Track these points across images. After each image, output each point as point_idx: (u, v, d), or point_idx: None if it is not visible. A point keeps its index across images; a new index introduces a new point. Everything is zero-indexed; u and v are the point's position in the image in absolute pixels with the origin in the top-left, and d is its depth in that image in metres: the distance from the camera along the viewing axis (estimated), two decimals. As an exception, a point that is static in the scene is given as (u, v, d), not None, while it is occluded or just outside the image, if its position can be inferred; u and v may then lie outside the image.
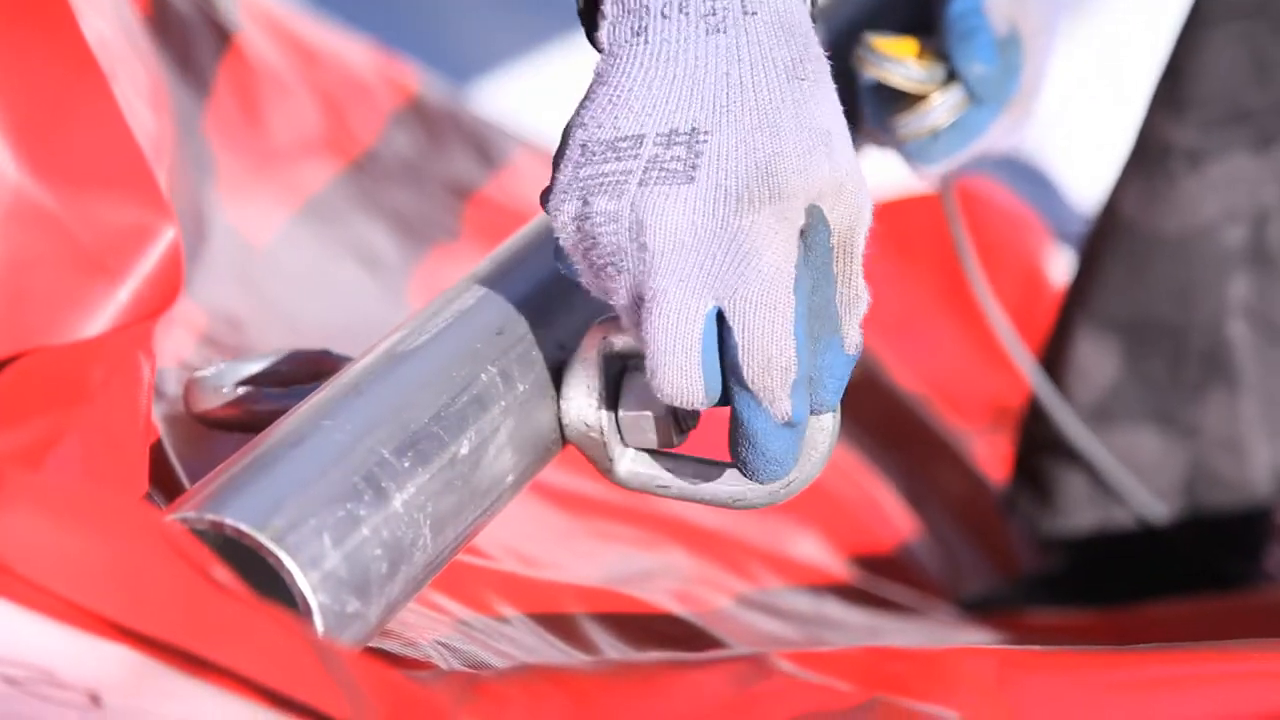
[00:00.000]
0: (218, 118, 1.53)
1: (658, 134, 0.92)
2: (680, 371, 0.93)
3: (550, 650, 1.16)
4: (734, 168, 0.92)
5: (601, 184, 0.93)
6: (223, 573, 0.83)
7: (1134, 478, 1.65)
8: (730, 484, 1.01)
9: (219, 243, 1.43)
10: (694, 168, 0.92)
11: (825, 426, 0.99)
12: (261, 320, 1.35)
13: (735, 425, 0.96)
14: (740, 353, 0.93)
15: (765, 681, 0.94)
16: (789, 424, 0.94)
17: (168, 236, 1.01)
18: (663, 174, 0.92)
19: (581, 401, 1.02)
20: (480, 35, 2.59)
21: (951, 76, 1.21)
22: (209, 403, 1.08)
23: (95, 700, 0.82)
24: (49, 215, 0.98)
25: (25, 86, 0.97)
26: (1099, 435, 1.66)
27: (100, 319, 0.99)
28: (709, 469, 1.01)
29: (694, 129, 0.92)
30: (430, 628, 1.09)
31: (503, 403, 1.00)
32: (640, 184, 0.92)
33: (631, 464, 1.02)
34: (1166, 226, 1.62)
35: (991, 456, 1.90)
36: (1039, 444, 1.70)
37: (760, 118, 0.92)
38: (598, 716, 0.91)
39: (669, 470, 1.02)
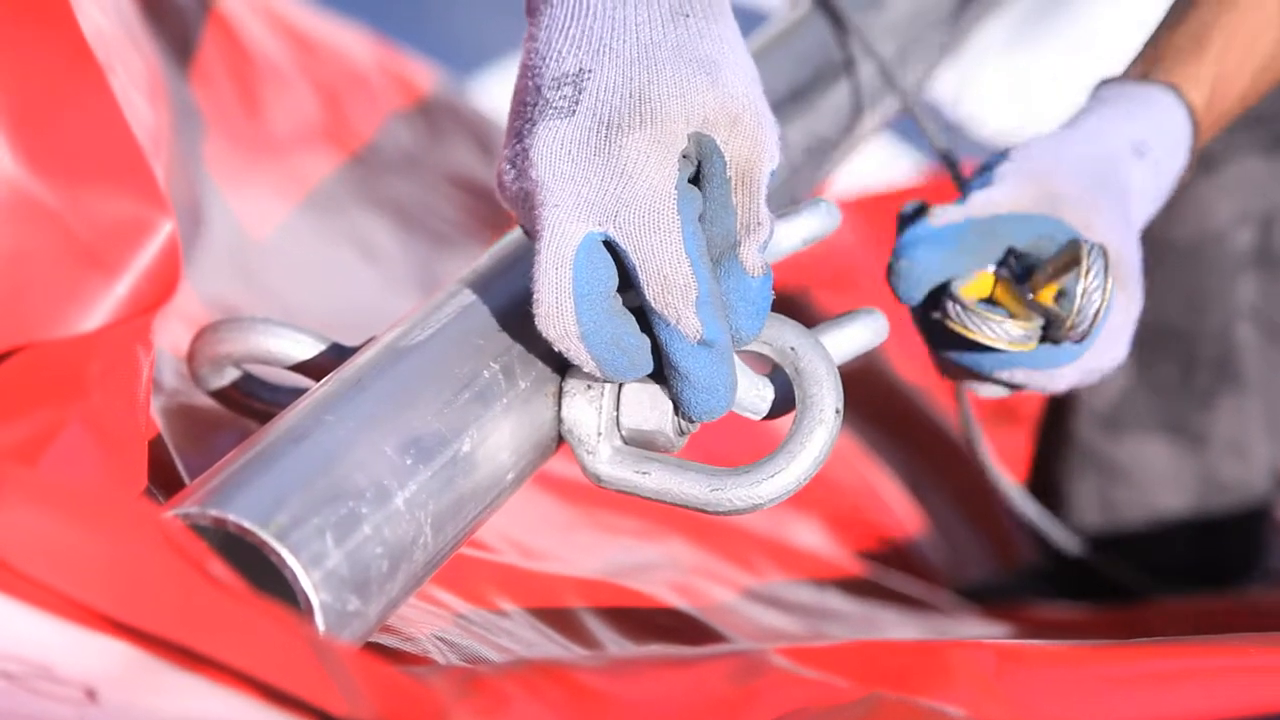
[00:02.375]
0: (216, 110, 1.53)
1: (551, 79, 0.96)
2: (553, 300, 0.95)
3: (549, 644, 1.16)
4: (610, 99, 0.96)
5: (511, 137, 0.97)
6: (220, 568, 0.83)
7: (1145, 487, 1.65)
8: (709, 487, 1.00)
9: (218, 235, 1.43)
10: (575, 103, 0.96)
11: (824, 427, 0.99)
12: (261, 312, 1.35)
13: (662, 361, 0.98)
14: (638, 274, 0.95)
15: (762, 677, 0.94)
16: (704, 343, 0.96)
17: (165, 230, 1.01)
18: (548, 113, 0.96)
19: (581, 399, 1.02)
20: (480, 28, 2.59)
21: (1045, 332, 1.12)
22: (216, 379, 1.08)
23: (91, 695, 0.82)
24: (46, 209, 0.98)
25: (22, 79, 0.97)
26: (1109, 445, 1.66)
27: (98, 313, 0.99)
28: (689, 472, 1.01)
29: (580, 70, 0.96)
30: (429, 622, 1.09)
31: (504, 399, 1.00)
32: (530, 125, 0.96)
33: (610, 462, 1.01)
34: (1178, 232, 1.63)
35: (993, 450, 1.90)
36: (1051, 448, 1.71)
37: (639, 52, 0.96)
38: (595, 712, 0.91)
39: (648, 471, 1.01)
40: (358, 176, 1.67)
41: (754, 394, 1.02)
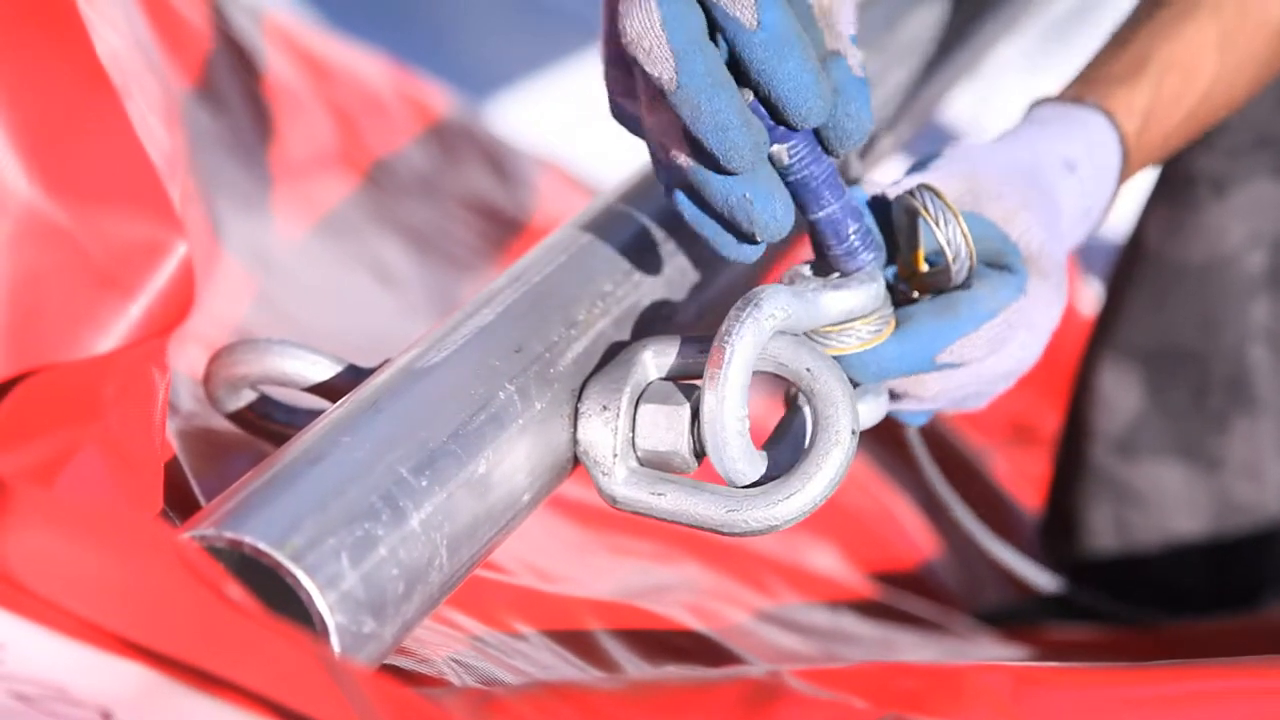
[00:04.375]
0: (232, 134, 1.53)
1: None
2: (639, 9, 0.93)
3: (565, 666, 1.16)
4: None
5: None
6: (236, 590, 0.83)
7: (1161, 511, 1.65)
8: (725, 508, 1.00)
9: (232, 257, 1.43)
10: None
11: (840, 449, 0.99)
12: (276, 334, 1.35)
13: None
14: None
15: (778, 699, 0.94)
16: (764, 27, 0.94)
17: (180, 252, 1.01)
18: None
19: (597, 420, 1.02)
20: (496, 52, 2.59)
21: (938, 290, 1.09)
22: (232, 400, 1.08)
23: (107, 717, 0.82)
24: (61, 231, 0.98)
25: (38, 102, 0.97)
26: (1123, 469, 1.66)
27: (113, 335, 0.99)
28: (704, 493, 1.00)
29: None
30: (444, 644, 1.09)
31: (520, 421, 1.00)
32: None
33: (626, 484, 1.01)
34: (1191, 255, 1.63)
35: (1010, 472, 1.90)
36: (1067, 472, 1.71)
37: None
38: (611, 734, 0.91)
39: (664, 493, 1.01)
40: (373, 200, 1.67)
41: (746, 462, 1.00)
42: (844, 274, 1.04)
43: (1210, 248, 1.63)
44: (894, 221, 1.07)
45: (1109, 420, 1.67)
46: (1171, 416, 1.66)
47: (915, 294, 1.08)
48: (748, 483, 1.00)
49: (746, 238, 0.99)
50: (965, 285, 1.06)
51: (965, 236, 1.05)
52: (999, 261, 1.08)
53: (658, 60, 0.94)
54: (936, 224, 1.04)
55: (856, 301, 1.03)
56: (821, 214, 1.02)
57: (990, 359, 1.08)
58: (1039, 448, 1.90)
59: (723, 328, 0.98)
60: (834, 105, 0.98)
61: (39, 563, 0.82)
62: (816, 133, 1.00)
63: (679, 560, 1.45)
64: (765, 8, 0.94)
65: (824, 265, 1.05)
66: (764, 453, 1.01)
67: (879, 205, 1.08)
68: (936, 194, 1.05)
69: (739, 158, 0.95)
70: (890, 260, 1.08)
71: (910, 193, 1.05)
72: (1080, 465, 1.69)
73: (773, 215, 0.97)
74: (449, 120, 1.83)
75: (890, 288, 1.09)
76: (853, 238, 1.03)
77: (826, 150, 1.00)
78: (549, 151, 1.94)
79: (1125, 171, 1.18)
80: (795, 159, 0.99)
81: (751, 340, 0.98)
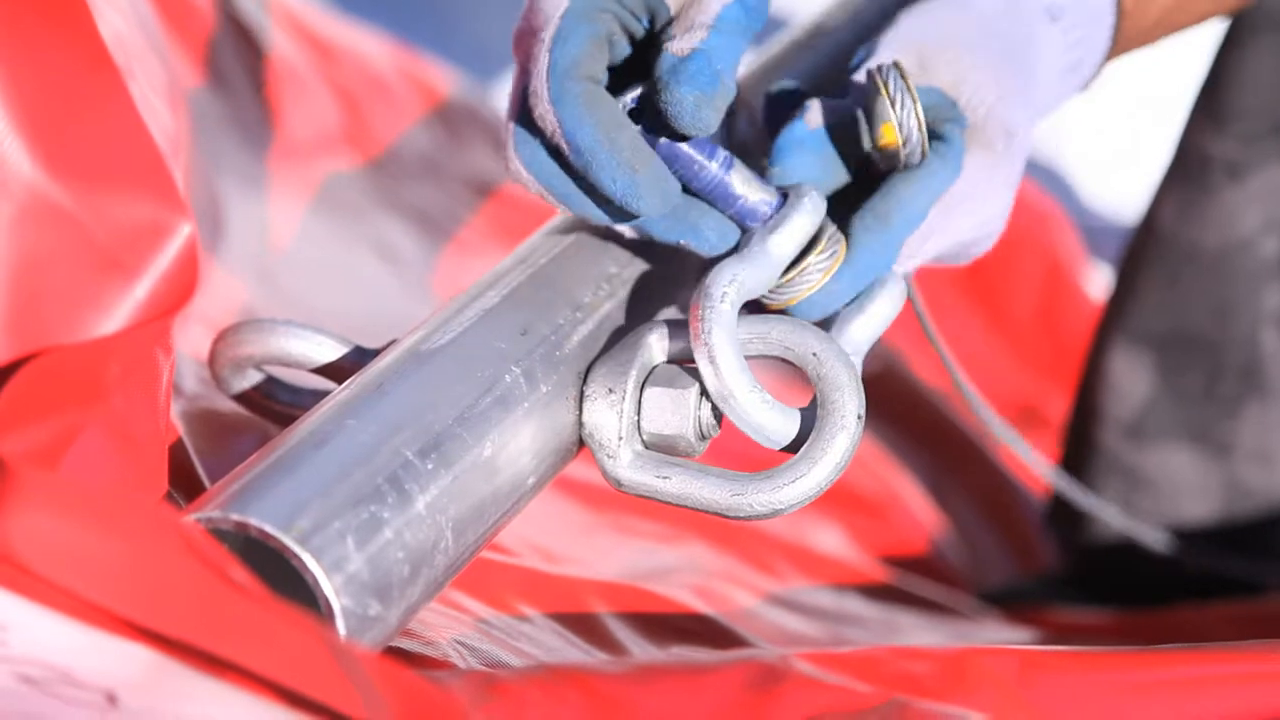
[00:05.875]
0: (236, 115, 1.53)
1: None
2: (538, 80, 0.98)
3: (570, 648, 1.15)
4: None
5: None
6: (240, 573, 0.83)
7: (1170, 496, 1.65)
8: (730, 492, 1.00)
9: (237, 238, 1.43)
10: None
11: (846, 432, 0.99)
12: (280, 315, 1.34)
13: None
14: None
15: (783, 682, 0.94)
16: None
17: (184, 233, 1.01)
18: None
19: (602, 403, 1.02)
20: (500, 32, 2.58)
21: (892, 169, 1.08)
22: (237, 381, 1.08)
23: (112, 700, 0.82)
24: (65, 213, 0.98)
25: (41, 84, 0.97)
26: (1133, 454, 1.66)
27: (117, 316, 0.99)
28: (710, 477, 1.00)
29: None
30: (450, 627, 1.09)
31: (526, 404, 1.00)
32: None
33: (631, 467, 1.01)
34: (1205, 240, 1.62)
35: (1017, 455, 1.89)
36: (1076, 456, 1.70)
37: None
38: (615, 717, 0.91)
39: (669, 476, 1.01)
40: (377, 181, 1.67)
41: (779, 425, 1.01)
42: (762, 223, 1.03)
43: (1224, 233, 1.62)
44: (864, 97, 1.06)
45: (1119, 405, 1.67)
46: (1182, 401, 1.65)
47: (883, 168, 1.07)
48: (787, 442, 1.00)
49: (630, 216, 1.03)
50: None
51: (919, 119, 1.04)
52: (938, 133, 1.07)
53: (534, 188, 1.03)
54: (893, 105, 1.04)
55: (799, 229, 1.03)
56: (701, 187, 1.03)
57: (942, 238, 1.07)
58: (1046, 431, 1.89)
59: (689, 318, 0.99)
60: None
61: (43, 545, 0.82)
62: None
63: (685, 541, 1.44)
64: (572, 133, 0.99)
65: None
66: (796, 410, 1.01)
67: (852, 87, 1.08)
68: (901, 73, 1.04)
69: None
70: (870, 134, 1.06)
71: (877, 68, 1.05)
72: (1089, 450, 1.69)
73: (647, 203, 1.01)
74: (454, 101, 1.82)
75: (867, 157, 1.07)
76: (741, 193, 1.03)
77: (678, 136, 1.02)
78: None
79: (1122, 32, 1.14)
80: None
81: (720, 323, 0.98)
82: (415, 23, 2.36)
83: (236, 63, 1.55)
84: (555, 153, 1.02)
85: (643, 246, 1.10)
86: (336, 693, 0.82)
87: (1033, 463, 1.41)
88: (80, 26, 0.99)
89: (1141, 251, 1.66)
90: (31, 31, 0.97)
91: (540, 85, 1.00)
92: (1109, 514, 1.57)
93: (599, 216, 1.03)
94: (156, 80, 1.16)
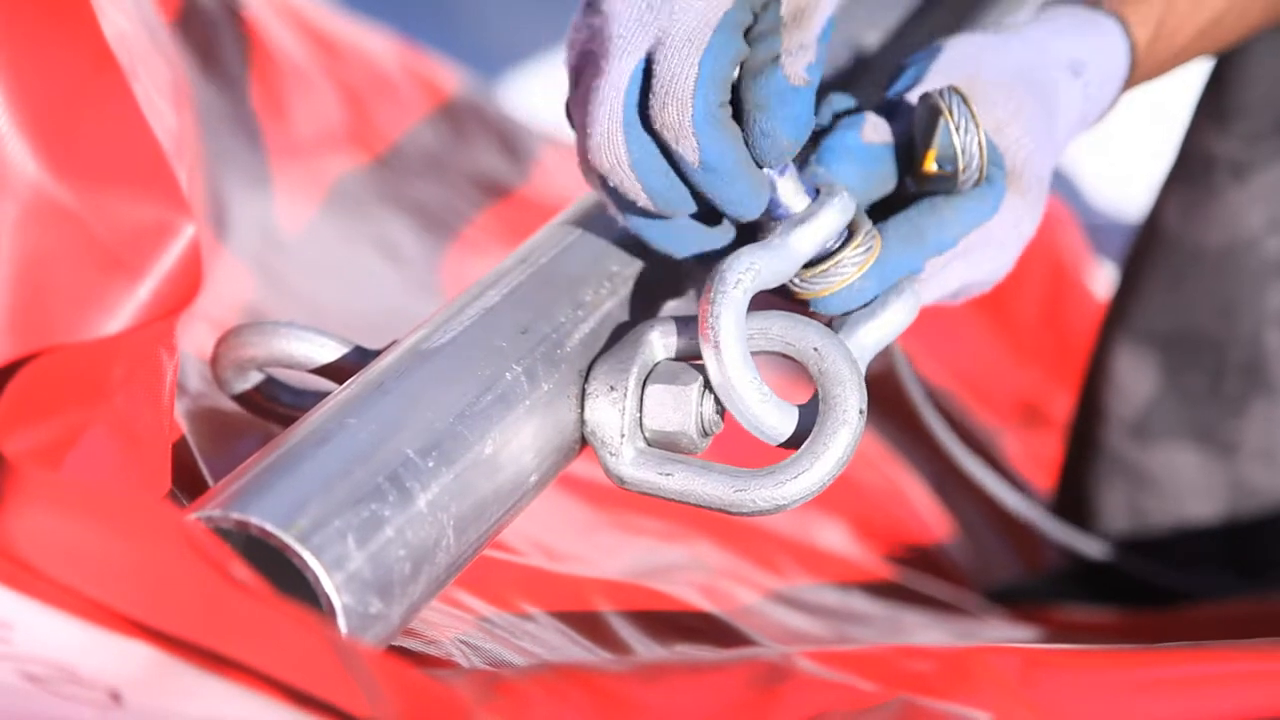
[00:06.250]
0: (240, 113, 1.53)
1: None
2: (604, 128, 0.97)
3: (574, 647, 1.15)
4: None
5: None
6: (243, 571, 0.83)
7: (1175, 496, 1.65)
8: (733, 488, 1.00)
9: (241, 238, 1.43)
10: None
11: (848, 428, 0.99)
12: (285, 316, 1.35)
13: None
14: (651, 91, 0.98)
15: (787, 681, 0.94)
16: (706, 168, 0.98)
17: (187, 233, 1.01)
18: None
19: (604, 400, 1.02)
20: (505, 30, 2.59)
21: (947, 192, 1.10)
22: (239, 382, 1.08)
23: (115, 698, 0.82)
24: (69, 213, 0.98)
25: (44, 83, 0.97)
26: (1138, 453, 1.66)
27: (120, 316, 0.99)
28: (712, 473, 1.00)
29: None
30: (452, 625, 1.09)
31: (527, 402, 1.00)
32: None
33: (633, 464, 1.01)
34: (1209, 239, 1.62)
35: (1021, 454, 1.89)
36: (1080, 455, 1.70)
37: None
38: (618, 716, 0.91)
39: (671, 473, 1.01)
40: (382, 179, 1.67)
41: (779, 419, 1.01)
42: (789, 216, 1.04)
43: (1228, 232, 1.62)
44: (915, 117, 1.07)
45: (1123, 403, 1.67)
46: (1187, 400, 1.66)
47: (923, 189, 1.08)
48: (786, 436, 1.00)
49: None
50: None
51: (981, 148, 1.05)
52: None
53: (627, 190, 1.00)
54: (957, 130, 1.05)
55: (825, 227, 1.03)
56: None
57: (955, 272, 1.09)
58: (1050, 429, 1.89)
59: (700, 303, 0.99)
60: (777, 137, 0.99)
61: (47, 543, 0.82)
62: None
63: (689, 538, 1.44)
64: (705, 147, 0.98)
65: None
66: (794, 406, 1.01)
67: (898, 106, 1.09)
68: (964, 100, 1.05)
69: (670, 208, 1.01)
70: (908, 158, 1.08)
71: (940, 92, 1.06)
72: (1093, 448, 1.69)
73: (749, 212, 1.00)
74: (459, 99, 1.82)
75: (904, 179, 1.08)
76: (781, 190, 1.04)
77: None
78: (559, 130, 1.93)
79: (1130, 81, 1.18)
80: None
81: (730, 308, 0.98)
82: (420, 20, 2.36)
83: (241, 61, 1.55)
84: (666, 152, 1.00)
85: (644, 245, 1.10)
86: (340, 690, 0.82)
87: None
88: (84, 26, 0.99)
89: (1145, 251, 1.66)
90: (35, 31, 0.97)
91: (684, 96, 0.98)
92: (1050, 526, 1.57)
93: (680, 217, 1.03)
94: (160, 80, 1.16)
